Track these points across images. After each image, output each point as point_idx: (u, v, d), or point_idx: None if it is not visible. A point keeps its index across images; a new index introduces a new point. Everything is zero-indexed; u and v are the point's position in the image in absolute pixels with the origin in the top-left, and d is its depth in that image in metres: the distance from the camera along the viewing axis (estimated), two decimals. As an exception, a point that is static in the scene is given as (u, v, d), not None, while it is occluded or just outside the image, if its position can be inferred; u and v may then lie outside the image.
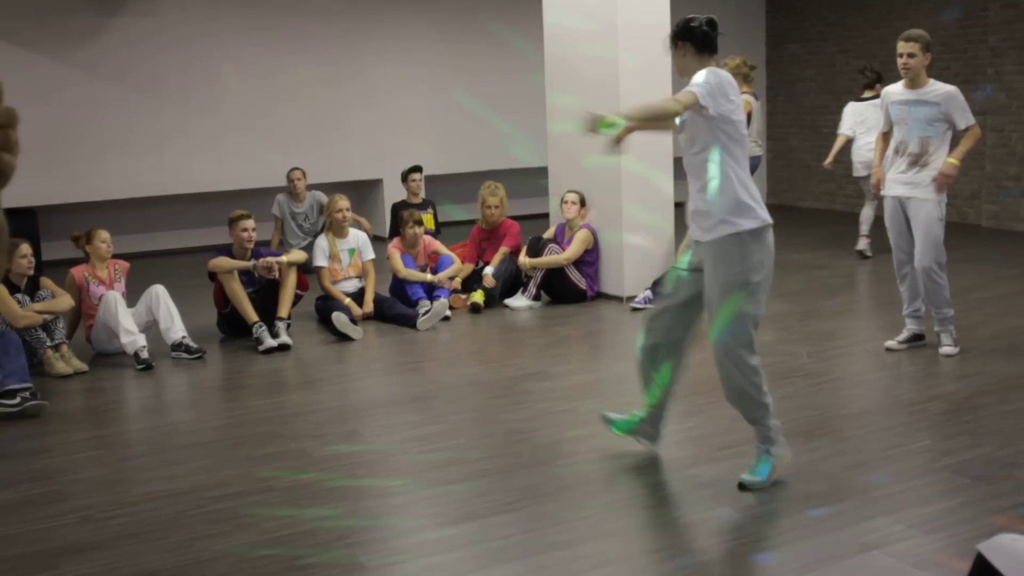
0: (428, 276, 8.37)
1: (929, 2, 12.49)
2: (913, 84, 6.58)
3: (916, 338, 6.88)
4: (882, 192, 6.86)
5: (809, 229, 12.59)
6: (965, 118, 6.48)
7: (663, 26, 8.53)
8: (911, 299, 6.84)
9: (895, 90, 6.71)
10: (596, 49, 8.58)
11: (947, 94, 6.48)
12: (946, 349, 6.68)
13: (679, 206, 8.79)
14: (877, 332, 7.33)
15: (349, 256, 8.34)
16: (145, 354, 7.08)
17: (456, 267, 8.62)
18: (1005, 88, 11.63)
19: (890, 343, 6.89)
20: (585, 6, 8.65)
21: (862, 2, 13.41)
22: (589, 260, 8.72)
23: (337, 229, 8.35)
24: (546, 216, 9.62)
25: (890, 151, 6.76)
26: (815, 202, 14.39)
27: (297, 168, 10.98)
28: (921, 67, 6.51)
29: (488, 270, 8.64)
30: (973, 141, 6.54)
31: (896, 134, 6.69)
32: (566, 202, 8.74)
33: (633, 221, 8.54)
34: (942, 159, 6.51)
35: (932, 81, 6.58)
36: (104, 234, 7.58)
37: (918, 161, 6.56)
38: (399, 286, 8.44)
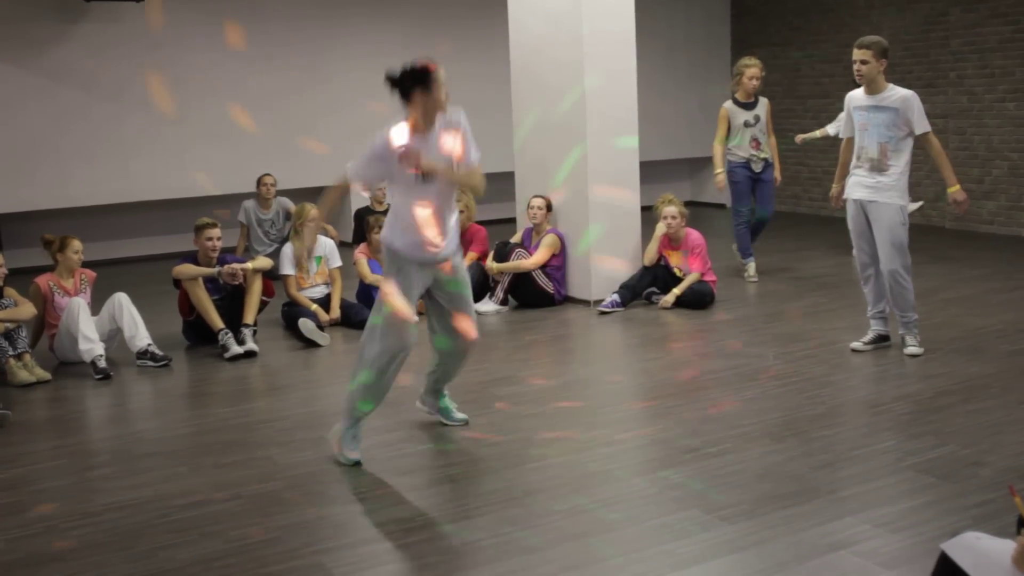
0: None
1: (893, 6, 12.60)
2: (871, 90, 6.65)
3: (881, 339, 6.93)
4: (844, 197, 6.92)
5: (775, 232, 12.63)
6: (922, 124, 6.56)
7: (628, 33, 8.57)
8: (875, 301, 6.89)
9: (857, 95, 6.78)
10: (561, 55, 8.59)
11: (904, 98, 6.55)
12: (911, 349, 6.73)
13: (646, 210, 8.81)
14: (843, 333, 7.38)
15: (316, 264, 8.30)
16: (103, 363, 7.01)
17: None
18: (967, 92, 11.75)
19: (855, 344, 6.94)
20: (550, 13, 8.66)
21: (826, 7, 13.52)
22: (556, 264, 8.73)
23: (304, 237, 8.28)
24: (513, 221, 9.62)
25: (853, 156, 6.83)
26: (781, 205, 14.45)
27: (268, 174, 10.93)
28: (876, 73, 6.58)
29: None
30: (945, 158, 6.71)
31: (857, 139, 6.76)
32: (532, 207, 8.75)
33: (600, 225, 8.55)
34: (901, 165, 6.58)
35: (891, 86, 6.65)
36: (77, 244, 7.50)
37: (877, 166, 6.63)
38: (366, 292, 8.40)
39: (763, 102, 9.47)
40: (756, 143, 9.37)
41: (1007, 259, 10.11)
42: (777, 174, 9.59)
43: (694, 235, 8.55)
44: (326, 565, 4.02)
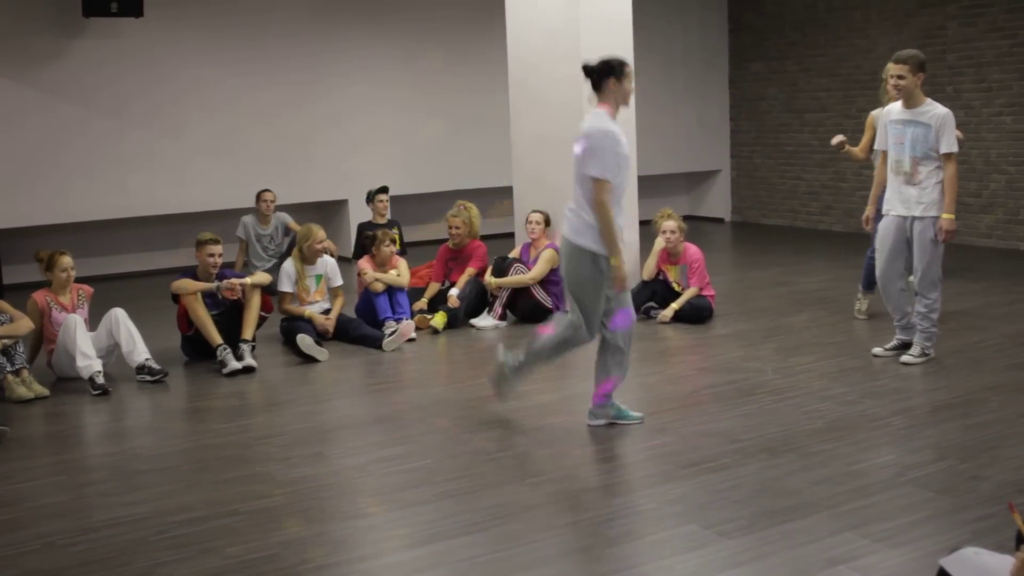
0: (398, 278, 8.37)
1: (890, 21, 12.64)
2: (909, 104, 6.69)
3: (904, 346, 7.01)
4: (883, 212, 6.93)
5: (774, 246, 12.68)
6: (949, 143, 6.59)
7: (626, 46, 8.59)
8: (900, 313, 7.03)
9: (894, 109, 6.82)
10: (559, 70, 8.61)
11: (939, 116, 6.61)
12: (906, 358, 6.88)
13: (644, 224, 8.82)
14: (842, 348, 7.39)
15: (316, 283, 8.28)
16: (101, 379, 6.99)
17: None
18: (964, 106, 11.77)
19: (877, 350, 7.11)
20: (548, 29, 8.69)
21: (823, 21, 13.56)
22: (555, 279, 8.72)
23: (310, 258, 8.27)
24: (511, 236, 9.62)
25: (888, 171, 6.86)
26: (779, 219, 14.50)
27: (268, 189, 10.95)
28: (914, 87, 6.63)
29: (453, 291, 8.63)
30: (953, 185, 6.65)
31: (892, 153, 6.80)
32: (531, 222, 8.76)
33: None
34: (935, 180, 6.63)
35: (929, 101, 6.70)
36: (66, 261, 7.44)
37: (911, 181, 6.68)
38: (366, 306, 8.41)
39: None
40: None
41: (1005, 273, 10.13)
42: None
43: (692, 250, 8.56)
44: (324, 581, 4.02)
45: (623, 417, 5.83)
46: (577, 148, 5.52)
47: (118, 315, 7.36)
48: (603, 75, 5.56)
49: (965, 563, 2.68)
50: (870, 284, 7.99)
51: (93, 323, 7.48)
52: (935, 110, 6.64)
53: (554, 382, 6.99)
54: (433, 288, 8.92)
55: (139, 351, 7.28)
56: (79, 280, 7.67)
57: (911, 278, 7.00)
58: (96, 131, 11.53)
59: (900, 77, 6.62)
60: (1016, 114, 11.45)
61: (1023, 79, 11.36)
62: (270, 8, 12.28)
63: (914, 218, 6.72)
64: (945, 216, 6.66)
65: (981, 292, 9.15)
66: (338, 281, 8.39)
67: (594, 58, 5.62)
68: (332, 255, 8.64)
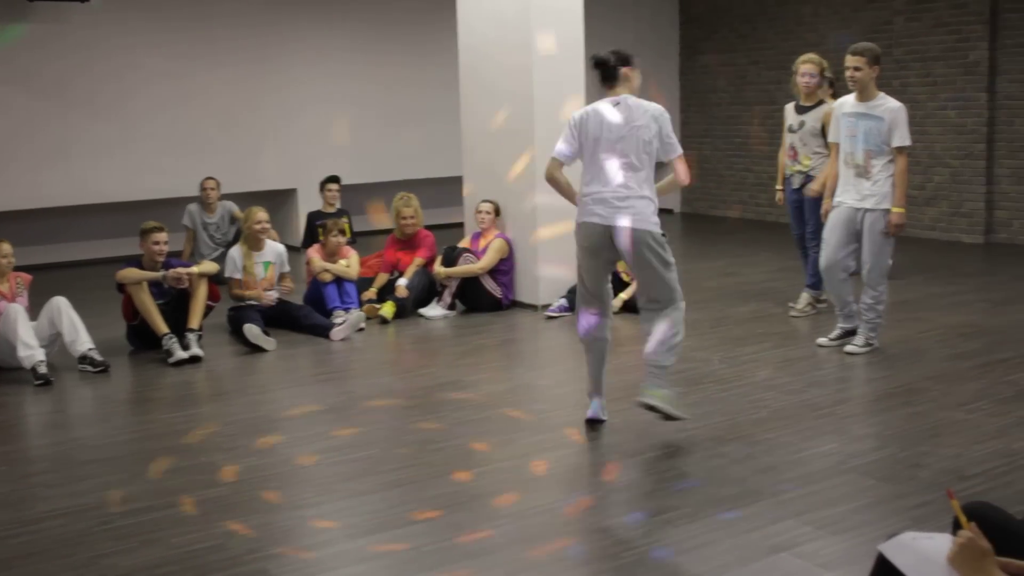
0: (347, 269, 8.34)
1: (838, 15, 12.76)
2: (863, 97, 6.75)
3: (848, 334, 7.10)
4: (833, 204, 6.99)
5: (722, 236, 12.78)
6: (901, 136, 6.66)
7: (577, 36, 8.60)
8: (844, 302, 7.09)
9: (847, 101, 6.87)
10: (511, 61, 8.60)
11: (893, 110, 6.68)
12: (851, 348, 6.94)
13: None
14: (787, 338, 7.46)
15: (264, 269, 8.21)
16: (43, 369, 6.89)
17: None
18: (909, 100, 11.89)
19: (822, 340, 7.17)
20: (499, 18, 8.67)
21: (772, 14, 13.66)
22: (504, 269, 8.74)
23: (253, 242, 8.18)
24: (461, 226, 9.62)
25: (840, 163, 6.91)
26: (728, 210, 14.60)
27: (211, 177, 10.84)
28: (868, 80, 6.69)
29: (401, 281, 8.60)
30: (904, 179, 6.72)
31: (844, 146, 6.85)
32: (481, 211, 8.75)
33: (548, 229, 8.56)
34: (887, 173, 6.69)
35: (882, 95, 6.76)
36: (4, 248, 7.31)
37: (863, 174, 6.74)
38: (314, 295, 8.36)
39: (822, 108, 7.92)
40: (793, 153, 8.13)
41: (948, 264, 10.29)
42: (813, 185, 7.87)
43: (641, 240, 8.57)
44: (270, 572, 4.00)
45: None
46: (649, 128, 5.39)
47: (60, 304, 7.25)
48: (621, 64, 5.57)
49: (903, 548, 2.71)
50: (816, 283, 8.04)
51: (34, 312, 7.36)
52: (888, 104, 6.71)
53: (502, 372, 7.00)
54: (382, 278, 8.89)
55: (82, 340, 7.17)
56: (20, 269, 7.55)
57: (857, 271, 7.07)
58: (39, 117, 11.33)
59: (856, 69, 6.67)
60: (960, 108, 11.61)
61: (967, 74, 11.52)
62: (218, -6, 12.16)
63: (865, 210, 6.78)
64: (895, 210, 6.72)
65: (924, 284, 9.28)
66: (287, 268, 8.35)
67: (602, 51, 5.63)
68: (273, 239, 8.54)
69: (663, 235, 5.36)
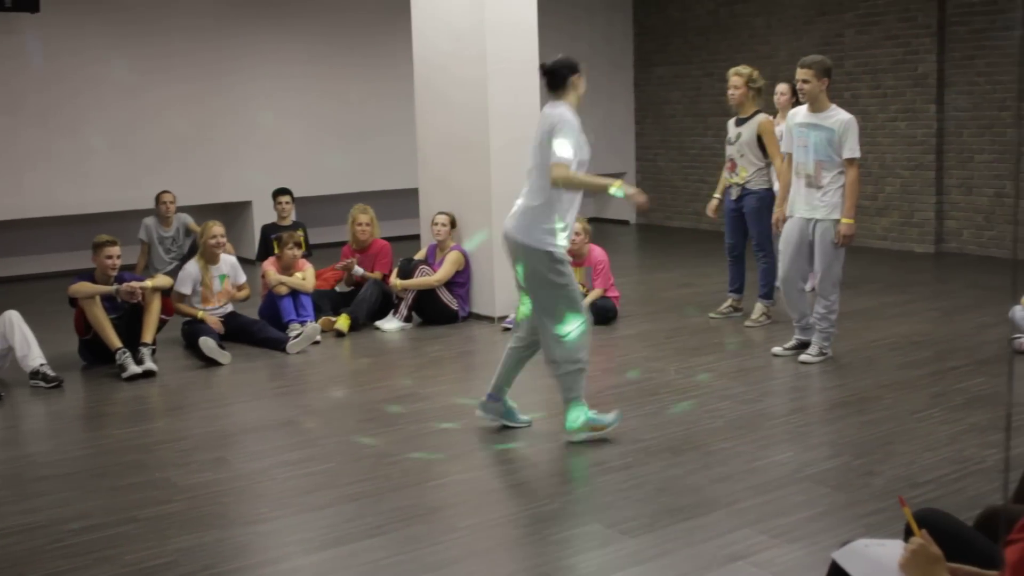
0: (303, 282, 8.30)
1: (790, 28, 12.91)
2: (814, 108, 6.82)
3: (803, 345, 7.16)
4: (787, 215, 7.06)
5: (677, 248, 12.86)
6: (852, 149, 6.74)
7: (531, 49, 8.63)
8: (800, 313, 7.16)
9: (799, 112, 6.94)
10: (465, 73, 8.62)
11: (843, 122, 6.75)
12: (805, 357, 7.01)
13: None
14: (742, 347, 7.52)
15: (220, 282, 8.16)
16: (-6, 384, 6.81)
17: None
18: (860, 111, 12.05)
19: (777, 349, 7.23)
20: (455, 30, 8.68)
21: (726, 27, 13.78)
22: (460, 281, 8.73)
23: (210, 256, 8.13)
24: (417, 238, 9.61)
25: (792, 174, 6.99)
26: (683, 222, 14.69)
27: (167, 191, 10.74)
28: (818, 92, 6.76)
29: (358, 269, 8.72)
30: (854, 190, 6.80)
31: (795, 156, 6.93)
32: (436, 223, 8.75)
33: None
34: (838, 184, 6.76)
35: (834, 107, 6.85)
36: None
37: (813, 184, 6.81)
38: (269, 308, 8.31)
39: (757, 120, 8.04)
40: (732, 164, 8.20)
41: (899, 274, 10.42)
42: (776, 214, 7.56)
43: (597, 251, 8.62)
44: (225, 587, 3.97)
45: (513, 419, 5.85)
46: (541, 132, 5.52)
47: (12, 318, 7.15)
48: (567, 71, 5.56)
49: (856, 555, 2.75)
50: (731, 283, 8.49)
51: (-15, 327, 7.26)
52: (839, 115, 6.80)
53: (459, 384, 6.99)
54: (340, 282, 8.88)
55: (34, 355, 7.08)
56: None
57: (809, 284, 7.15)
58: (-11, 129, 11.20)
59: (805, 81, 6.76)
60: (910, 119, 11.78)
61: (916, 86, 11.69)
62: (171, 4, 12.06)
63: (816, 221, 6.86)
64: (844, 220, 6.79)
65: (876, 293, 9.39)
66: (243, 278, 8.31)
67: (549, 59, 5.66)
68: (229, 253, 8.50)
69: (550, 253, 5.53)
